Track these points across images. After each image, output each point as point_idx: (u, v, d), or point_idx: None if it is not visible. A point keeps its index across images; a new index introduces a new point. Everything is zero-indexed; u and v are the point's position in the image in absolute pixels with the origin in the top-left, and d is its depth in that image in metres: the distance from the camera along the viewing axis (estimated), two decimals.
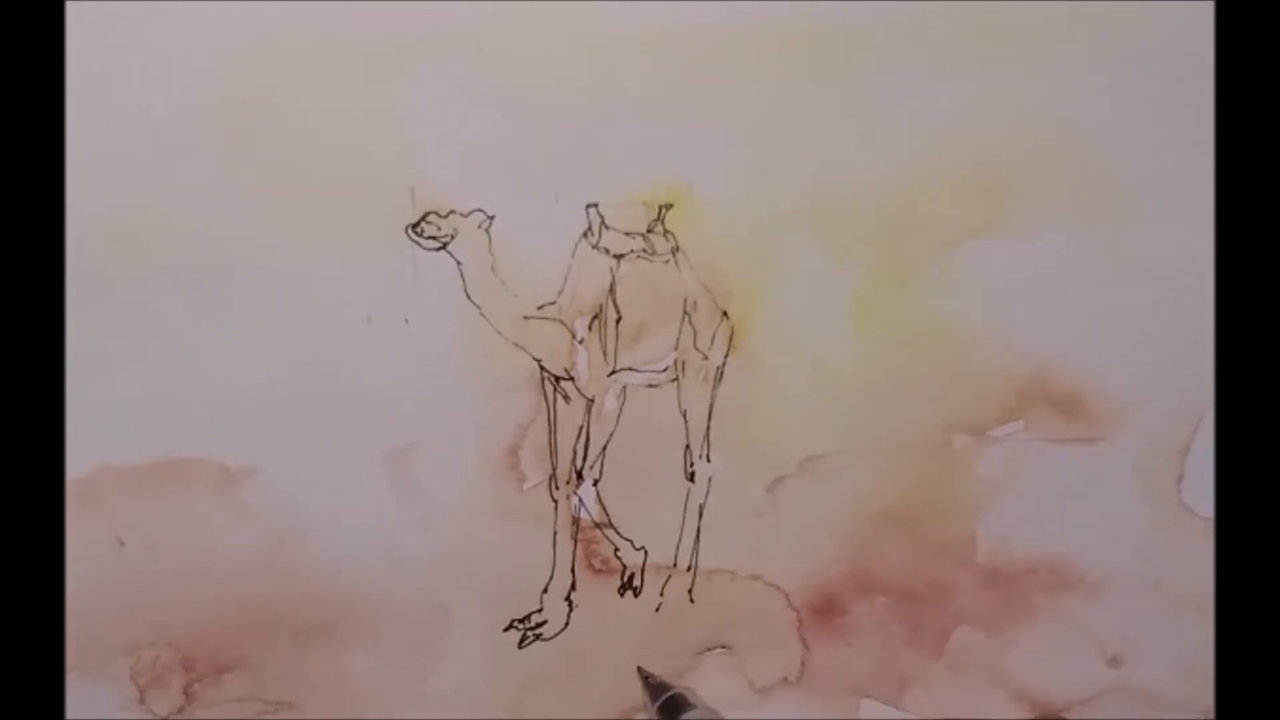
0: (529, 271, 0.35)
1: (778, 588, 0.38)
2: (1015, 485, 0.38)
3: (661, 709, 0.36)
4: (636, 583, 0.37)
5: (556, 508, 0.36)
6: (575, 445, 0.36)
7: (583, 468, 0.36)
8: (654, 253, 0.36)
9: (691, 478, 0.37)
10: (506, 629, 0.36)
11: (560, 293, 0.36)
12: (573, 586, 0.36)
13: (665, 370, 0.36)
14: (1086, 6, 0.37)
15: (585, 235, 0.36)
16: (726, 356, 0.37)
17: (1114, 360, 0.38)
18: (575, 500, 0.36)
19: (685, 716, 0.35)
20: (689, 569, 0.37)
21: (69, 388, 0.33)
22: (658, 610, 0.37)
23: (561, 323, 0.36)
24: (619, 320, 0.36)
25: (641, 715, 0.37)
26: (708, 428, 0.37)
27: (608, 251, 0.36)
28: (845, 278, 0.37)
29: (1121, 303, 0.38)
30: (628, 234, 0.36)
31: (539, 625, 0.36)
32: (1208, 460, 0.38)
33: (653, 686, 0.36)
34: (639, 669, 0.37)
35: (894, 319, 0.37)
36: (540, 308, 0.36)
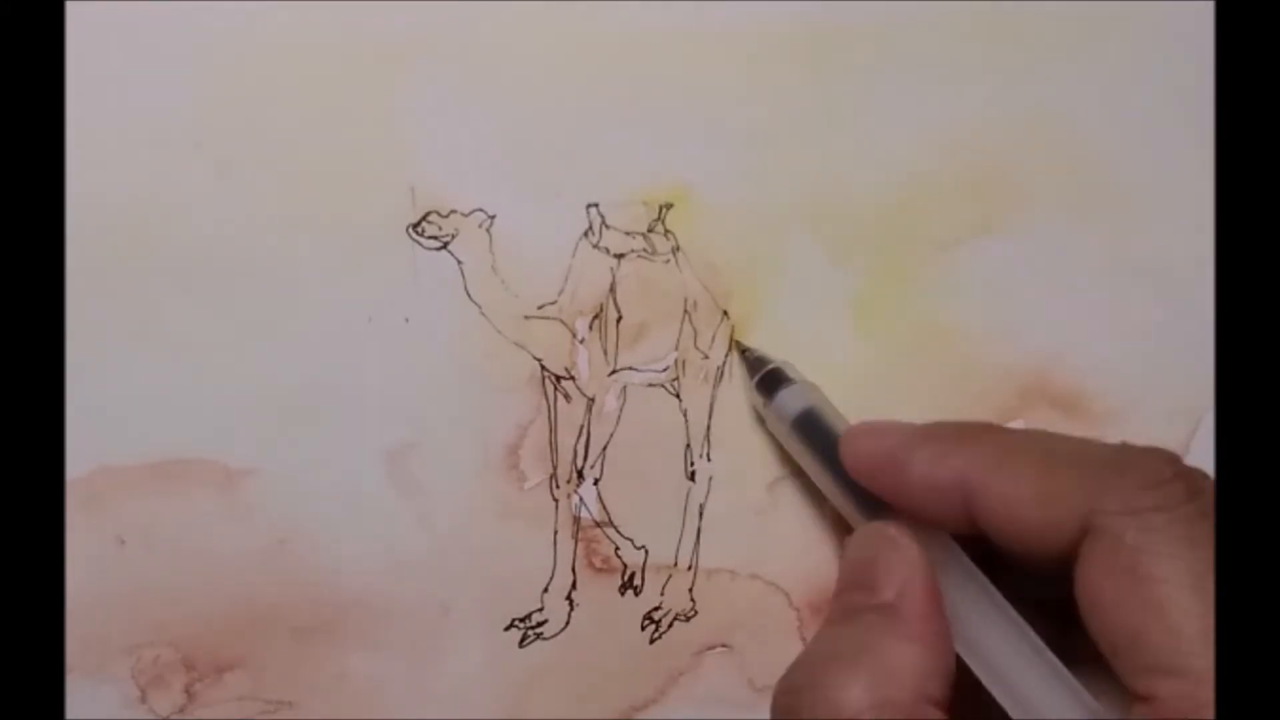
0: (529, 271, 0.35)
1: (778, 587, 0.38)
2: None
3: (760, 384, 0.35)
4: (637, 582, 0.37)
5: (557, 507, 0.36)
6: (575, 445, 0.36)
7: (583, 467, 0.36)
8: (654, 253, 0.36)
9: (692, 477, 0.37)
10: (507, 628, 0.36)
11: (560, 292, 0.36)
12: (573, 586, 0.36)
13: (665, 370, 0.36)
14: (1086, 6, 0.37)
15: (585, 235, 0.36)
16: (727, 356, 0.37)
17: (1114, 360, 0.38)
18: (575, 499, 0.36)
19: (784, 390, 0.35)
20: (689, 568, 0.37)
21: (69, 388, 0.33)
22: (654, 629, 0.37)
23: (562, 322, 0.36)
24: (619, 320, 0.36)
25: (643, 715, 0.37)
26: (708, 427, 0.37)
27: (608, 251, 0.36)
28: (845, 278, 0.37)
29: (1121, 303, 0.38)
30: (628, 234, 0.36)
31: (539, 624, 0.36)
32: (1208, 460, 0.38)
33: (750, 361, 0.36)
34: (737, 343, 0.36)
35: (894, 319, 0.37)
36: (540, 307, 0.36)
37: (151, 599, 0.35)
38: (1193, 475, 0.28)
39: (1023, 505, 0.29)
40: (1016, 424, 0.38)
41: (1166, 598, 0.26)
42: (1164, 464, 0.28)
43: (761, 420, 0.36)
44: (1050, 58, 0.37)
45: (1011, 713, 0.29)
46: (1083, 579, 0.28)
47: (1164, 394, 0.38)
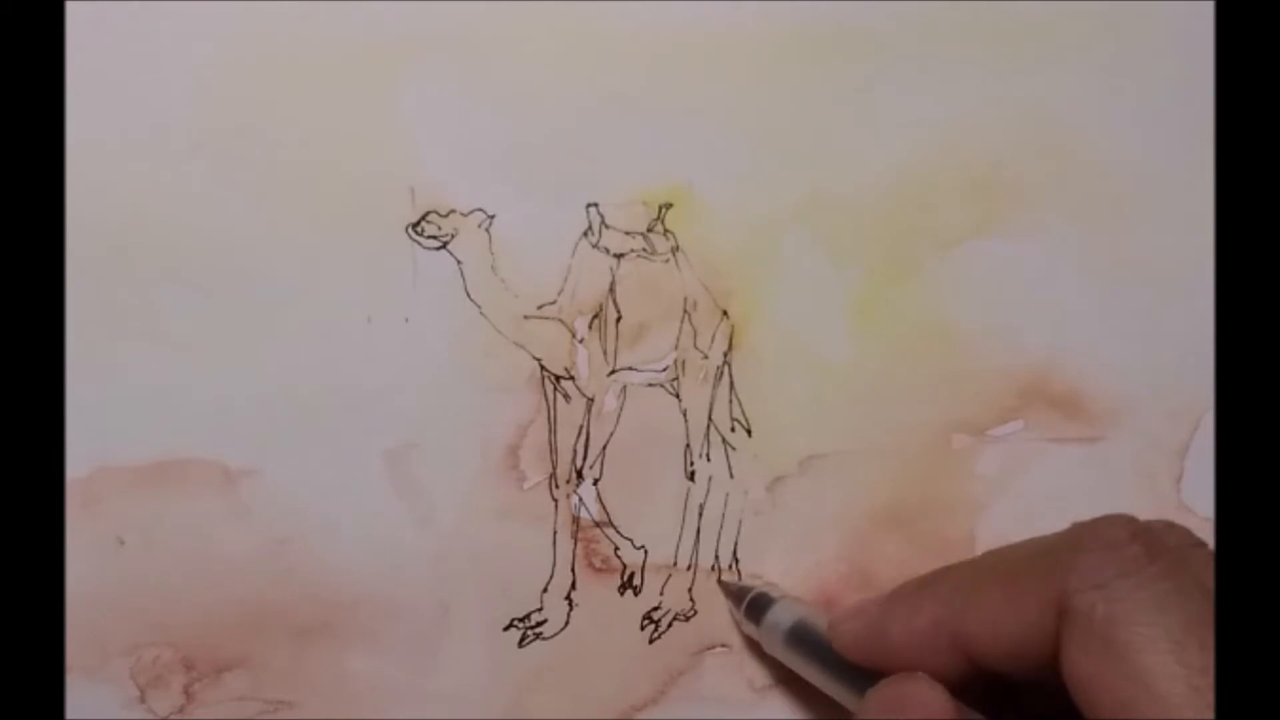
0: (529, 271, 0.35)
1: (778, 587, 0.38)
2: (1015, 485, 0.38)
3: (747, 610, 0.36)
4: (636, 582, 0.37)
5: (556, 507, 0.36)
6: (575, 445, 0.36)
7: (583, 467, 0.36)
8: (654, 252, 0.36)
9: (691, 477, 0.37)
10: (506, 628, 0.36)
11: (560, 292, 0.36)
12: (573, 586, 0.36)
13: (665, 370, 0.36)
14: (1086, 7, 0.37)
15: (585, 235, 0.36)
16: (726, 356, 0.37)
17: (1114, 360, 0.38)
18: (575, 499, 0.36)
19: (771, 612, 0.35)
20: (689, 568, 0.37)
21: (69, 388, 0.33)
22: (653, 630, 0.37)
23: (561, 322, 0.36)
24: (619, 320, 0.36)
25: (643, 715, 0.37)
26: (708, 427, 0.37)
27: (608, 251, 0.36)
28: (845, 278, 0.37)
29: (1121, 303, 0.38)
30: (628, 233, 0.36)
31: (539, 624, 0.36)
32: (1208, 460, 0.38)
33: (733, 592, 0.37)
34: (720, 581, 0.37)
35: (894, 319, 0.37)
36: (540, 307, 0.36)
37: (151, 599, 0.35)
38: (1153, 533, 0.28)
39: (1000, 616, 0.29)
40: (1016, 424, 0.38)
41: (1147, 667, 0.26)
42: (1119, 529, 0.28)
43: (756, 644, 0.36)
44: (1050, 58, 0.37)
45: None
46: (1066, 664, 0.28)
47: (1164, 394, 0.38)
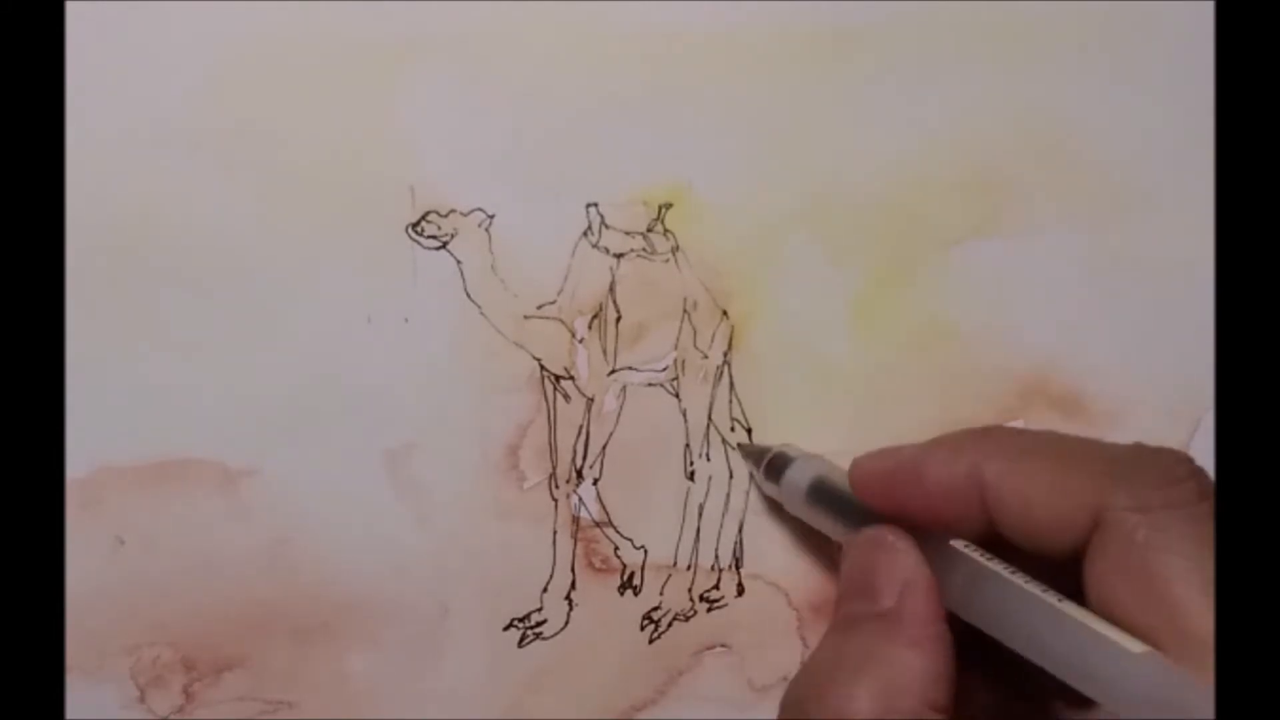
0: (529, 271, 0.35)
1: (778, 588, 0.38)
2: None
3: (767, 470, 0.36)
4: (636, 582, 0.37)
5: (556, 507, 0.36)
6: (575, 444, 0.36)
7: (583, 467, 0.36)
8: (654, 252, 0.36)
9: (691, 477, 0.37)
10: (506, 628, 0.36)
11: (560, 292, 0.36)
12: (573, 585, 0.36)
13: (665, 370, 0.36)
14: (1086, 6, 0.37)
15: (585, 235, 0.36)
16: (726, 356, 0.37)
17: (1114, 360, 0.38)
18: (575, 499, 0.36)
19: (790, 471, 0.35)
20: (688, 568, 0.37)
21: (69, 388, 0.33)
22: (652, 632, 0.37)
23: (561, 322, 0.36)
24: (619, 319, 0.36)
25: (643, 715, 0.37)
26: (707, 427, 0.37)
27: (608, 251, 0.36)
28: (845, 278, 0.37)
29: (1121, 303, 0.38)
30: (628, 233, 0.36)
31: (539, 624, 0.36)
32: (1208, 460, 0.38)
33: (752, 454, 0.36)
34: (739, 445, 0.37)
35: (894, 319, 0.37)
36: (540, 307, 0.36)
37: (151, 599, 0.35)
38: (1205, 476, 0.28)
39: (1037, 500, 0.29)
40: (1016, 425, 0.38)
41: (1176, 599, 0.26)
42: (1177, 463, 0.29)
43: (780, 507, 0.36)
44: (1050, 58, 0.37)
45: (1079, 686, 0.28)
46: (1092, 576, 0.28)
47: (1164, 394, 0.38)
